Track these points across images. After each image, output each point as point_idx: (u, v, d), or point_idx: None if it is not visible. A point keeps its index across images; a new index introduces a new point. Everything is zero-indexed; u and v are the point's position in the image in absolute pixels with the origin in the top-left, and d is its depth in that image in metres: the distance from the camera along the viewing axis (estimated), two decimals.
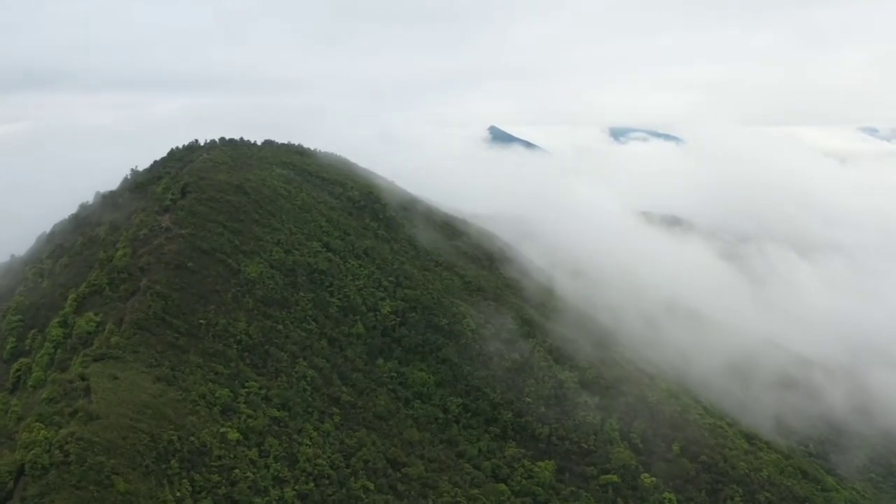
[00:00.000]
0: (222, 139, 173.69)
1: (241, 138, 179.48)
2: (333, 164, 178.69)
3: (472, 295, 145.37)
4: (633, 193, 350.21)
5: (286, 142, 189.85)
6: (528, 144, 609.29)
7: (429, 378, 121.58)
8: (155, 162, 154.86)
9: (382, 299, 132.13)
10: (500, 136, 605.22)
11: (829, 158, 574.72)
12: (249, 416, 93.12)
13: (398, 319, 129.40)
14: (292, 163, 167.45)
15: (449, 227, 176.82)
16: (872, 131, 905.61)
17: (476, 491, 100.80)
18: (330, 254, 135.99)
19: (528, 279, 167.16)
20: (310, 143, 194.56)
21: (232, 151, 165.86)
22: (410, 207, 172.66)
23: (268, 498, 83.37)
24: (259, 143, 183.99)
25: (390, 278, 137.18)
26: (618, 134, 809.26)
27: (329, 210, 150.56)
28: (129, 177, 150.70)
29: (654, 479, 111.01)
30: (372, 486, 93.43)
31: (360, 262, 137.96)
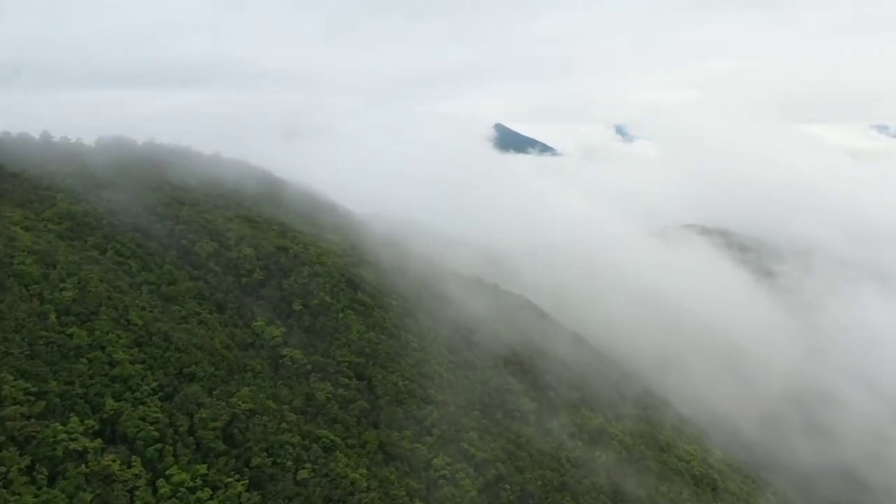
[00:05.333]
0: None
1: (49, 131, 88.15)
2: (216, 182, 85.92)
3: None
4: (641, 193, 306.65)
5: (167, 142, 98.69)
6: (533, 142, 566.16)
7: None
8: None
9: None
10: (506, 135, 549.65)
11: (844, 156, 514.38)
12: None
13: None
14: (122, 183, 74.56)
15: (454, 309, 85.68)
16: (883, 128, 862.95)
17: None
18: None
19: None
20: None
21: None
22: (361, 281, 79.79)
23: None
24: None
25: None
26: (625, 131, 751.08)
27: (137, 307, 57.96)
28: None
29: None
30: None
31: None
